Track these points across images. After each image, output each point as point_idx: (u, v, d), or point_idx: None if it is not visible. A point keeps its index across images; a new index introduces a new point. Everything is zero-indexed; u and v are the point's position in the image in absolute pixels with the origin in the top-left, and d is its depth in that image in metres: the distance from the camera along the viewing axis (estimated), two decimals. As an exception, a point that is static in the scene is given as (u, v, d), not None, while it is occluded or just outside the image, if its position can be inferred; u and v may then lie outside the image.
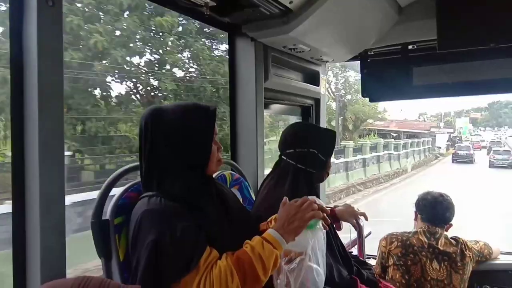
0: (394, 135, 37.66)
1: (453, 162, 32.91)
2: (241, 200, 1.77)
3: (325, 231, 1.27)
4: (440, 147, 40.22)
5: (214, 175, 1.68)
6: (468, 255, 2.10)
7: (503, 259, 2.20)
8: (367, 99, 2.74)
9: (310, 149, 1.57)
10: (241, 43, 1.95)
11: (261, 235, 1.13)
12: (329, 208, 1.89)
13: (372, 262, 2.23)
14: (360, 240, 1.83)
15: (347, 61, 2.59)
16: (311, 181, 1.60)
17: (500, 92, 2.60)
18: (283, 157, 1.62)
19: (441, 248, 2.11)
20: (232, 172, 1.79)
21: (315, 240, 1.21)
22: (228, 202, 1.29)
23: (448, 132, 52.92)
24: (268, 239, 1.11)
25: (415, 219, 2.29)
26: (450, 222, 2.21)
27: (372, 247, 2.33)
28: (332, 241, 1.52)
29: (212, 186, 1.24)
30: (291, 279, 1.17)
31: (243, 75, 1.95)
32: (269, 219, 1.32)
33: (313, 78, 2.57)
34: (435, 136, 44.81)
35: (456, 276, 2.06)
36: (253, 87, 1.95)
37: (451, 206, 2.20)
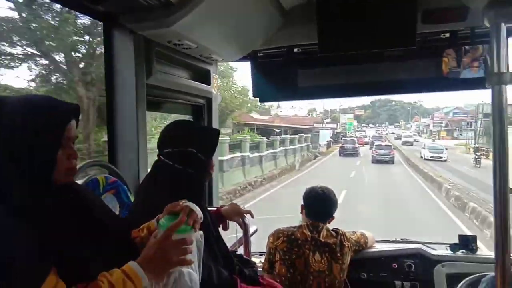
0: (277, 130, 35.02)
1: (340, 155, 33.80)
2: (117, 206, 1.62)
3: (201, 233, 1.22)
4: (319, 145, 37.36)
5: (82, 181, 1.51)
6: (346, 245, 2.26)
7: (377, 247, 2.43)
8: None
9: (188, 148, 1.50)
10: (118, 35, 1.79)
11: (121, 268, 1.01)
12: (215, 208, 1.86)
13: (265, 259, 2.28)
14: (246, 238, 1.83)
15: (237, 61, 2.60)
16: (191, 182, 1.53)
17: (379, 94, 2.89)
18: (161, 157, 1.53)
19: (322, 240, 2.23)
20: (108, 175, 1.64)
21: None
22: (93, 212, 1.14)
23: (331, 128, 52.93)
24: (129, 274, 1.00)
25: (301, 212, 2.39)
26: (332, 215, 2.36)
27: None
28: (213, 242, 1.48)
29: (67, 197, 1.07)
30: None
31: (121, 70, 1.80)
32: (141, 227, 1.22)
33: (204, 77, 2.52)
34: (318, 132, 43.36)
35: (336, 266, 2.20)
36: (132, 84, 1.81)
37: (333, 200, 2.35)
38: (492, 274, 1.30)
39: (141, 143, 1.87)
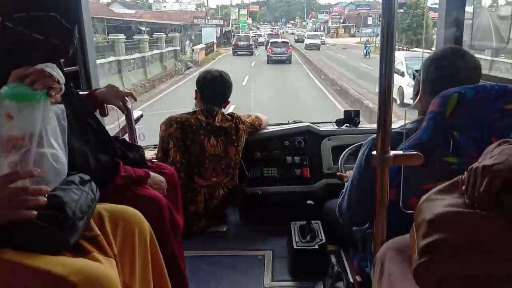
0: (143, 28, 24.73)
1: (233, 54, 29.49)
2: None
3: (62, 107, 1.00)
4: (192, 50, 25.38)
5: None
6: (241, 128, 2.24)
7: (270, 128, 2.48)
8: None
9: (49, 12, 1.17)
10: None
11: None
12: (87, 92, 1.59)
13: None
14: (129, 124, 1.64)
15: None
16: (52, 56, 1.23)
17: None
18: (8, 24, 1.16)
19: (217, 124, 2.16)
20: None
21: (45, 117, 0.93)
22: None
23: (217, 25, 39.16)
24: None
25: (196, 98, 2.26)
26: (227, 99, 2.28)
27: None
28: (87, 127, 1.27)
29: None
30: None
31: None
32: None
33: None
34: (201, 31, 33.59)
35: (232, 148, 2.19)
36: None
37: (229, 83, 2.24)
38: (373, 136, 1.35)
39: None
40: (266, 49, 27.60)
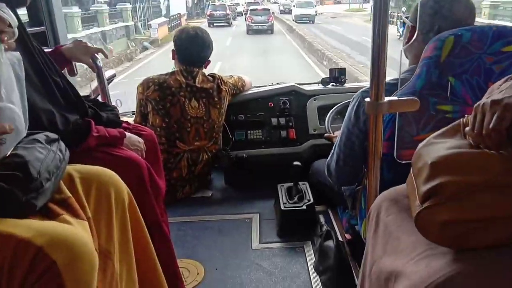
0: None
1: (209, 26, 24.49)
2: None
3: (18, 55, 0.88)
4: (150, 26, 18.63)
5: None
6: (224, 89, 2.13)
7: (253, 90, 2.38)
8: None
9: None
10: None
11: None
12: (51, 49, 1.46)
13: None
14: (101, 84, 1.51)
15: None
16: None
17: None
18: None
19: (198, 85, 2.05)
20: None
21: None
22: None
23: None
24: None
25: (173, 58, 2.13)
26: (208, 59, 2.16)
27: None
28: (53, 84, 1.14)
29: None
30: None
31: None
32: None
33: None
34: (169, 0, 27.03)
35: (214, 111, 2.09)
36: None
37: (208, 42, 2.11)
38: (364, 88, 1.28)
39: None
40: (245, 19, 24.44)
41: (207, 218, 1.95)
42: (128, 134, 1.27)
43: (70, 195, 0.88)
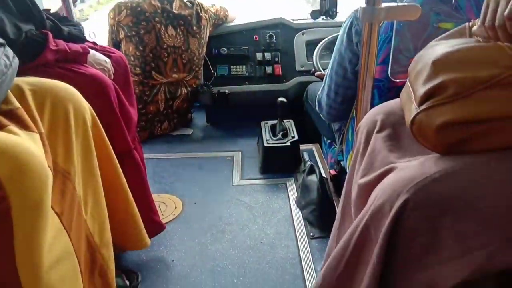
0: None
1: None
2: None
3: None
4: None
5: None
6: (204, 17, 1.96)
7: (238, 22, 2.20)
8: None
9: None
10: None
11: None
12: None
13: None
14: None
15: None
16: None
17: None
18: None
19: (175, 11, 1.87)
20: None
21: None
22: None
23: None
24: None
25: None
26: None
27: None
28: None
29: None
30: None
31: None
32: None
33: None
34: None
35: (194, 41, 1.93)
36: None
37: None
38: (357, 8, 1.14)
39: None
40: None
41: (187, 156, 1.86)
42: (92, 51, 1.12)
43: (19, 106, 0.76)
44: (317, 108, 1.38)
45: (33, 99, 0.81)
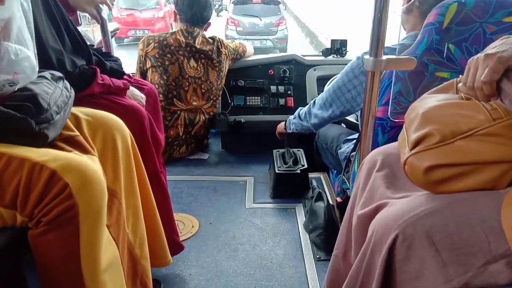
0: None
1: None
2: None
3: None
4: None
5: None
6: (224, 52, 2.14)
7: (255, 56, 2.38)
8: None
9: None
10: None
11: None
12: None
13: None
14: (104, 36, 1.52)
15: None
16: None
17: None
18: None
19: (198, 46, 2.05)
20: None
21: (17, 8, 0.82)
22: None
23: None
24: None
25: (175, 20, 2.12)
26: (209, 21, 2.15)
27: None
28: (60, 24, 1.15)
29: None
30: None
31: None
32: None
33: None
34: None
35: (213, 73, 2.11)
36: None
37: (209, 4, 2.10)
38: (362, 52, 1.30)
39: None
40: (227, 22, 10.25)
41: (203, 178, 2.00)
42: (131, 87, 1.29)
43: (78, 133, 0.91)
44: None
45: (88, 128, 0.96)
